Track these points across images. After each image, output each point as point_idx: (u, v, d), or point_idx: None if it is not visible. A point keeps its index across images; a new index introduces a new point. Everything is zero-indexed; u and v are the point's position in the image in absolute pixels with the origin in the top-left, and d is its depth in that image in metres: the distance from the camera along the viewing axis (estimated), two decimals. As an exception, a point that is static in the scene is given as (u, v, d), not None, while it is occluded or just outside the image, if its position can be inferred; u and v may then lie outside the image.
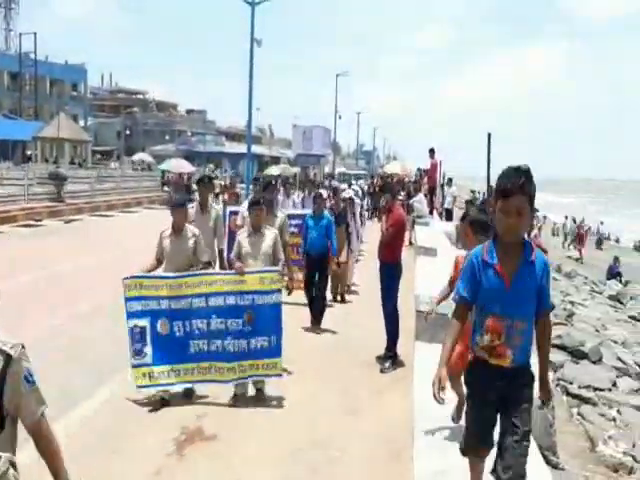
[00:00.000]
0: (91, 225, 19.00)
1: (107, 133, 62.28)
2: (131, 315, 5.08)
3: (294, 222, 8.43)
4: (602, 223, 39.23)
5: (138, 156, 47.71)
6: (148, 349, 5.07)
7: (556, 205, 55.90)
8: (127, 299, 5.09)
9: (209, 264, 5.71)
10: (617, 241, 40.96)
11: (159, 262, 5.41)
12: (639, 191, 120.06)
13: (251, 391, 5.32)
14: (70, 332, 7.13)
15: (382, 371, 6.24)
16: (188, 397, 5.26)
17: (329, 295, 9.08)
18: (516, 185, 2.50)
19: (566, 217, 35.38)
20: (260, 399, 5.28)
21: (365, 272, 10.28)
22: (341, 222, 9.29)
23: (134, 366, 5.10)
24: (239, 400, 5.15)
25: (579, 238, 30.38)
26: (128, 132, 63.24)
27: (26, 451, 4.63)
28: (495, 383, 2.70)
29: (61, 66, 55.02)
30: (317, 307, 7.76)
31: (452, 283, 3.91)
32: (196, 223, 6.36)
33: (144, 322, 5.06)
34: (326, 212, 8.14)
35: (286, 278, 6.07)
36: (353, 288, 10.13)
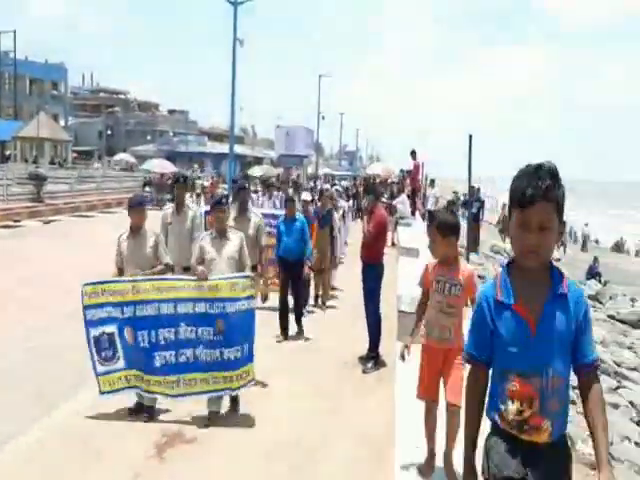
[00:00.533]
0: (71, 226, 18.78)
1: (88, 133, 61.68)
2: (95, 323, 4.82)
3: (273, 222, 8.28)
4: (587, 225, 39.59)
5: (119, 156, 47.31)
6: (120, 354, 4.85)
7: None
8: (86, 307, 4.83)
9: (168, 267, 5.24)
10: (597, 242, 41.57)
11: (121, 271, 5.12)
12: (619, 192, 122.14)
13: (225, 408, 5.05)
14: (53, 333, 7.05)
15: (364, 372, 6.25)
16: (149, 415, 4.88)
17: (310, 300, 8.97)
18: (538, 190, 1.85)
19: None
20: (235, 410, 5.06)
21: (347, 274, 10.28)
22: (325, 224, 9.11)
23: (102, 374, 4.87)
24: (213, 419, 4.82)
25: None
26: (109, 132, 62.67)
27: (10, 447, 4.60)
28: (525, 467, 1.92)
29: (41, 65, 54.31)
30: (296, 313, 7.52)
31: (425, 294, 3.67)
32: (173, 225, 6.18)
33: (112, 328, 4.83)
34: (299, 215, 7.80)
35: (261, 281, 5.94)
36: (334, 293, 9.94)
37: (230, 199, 7.74)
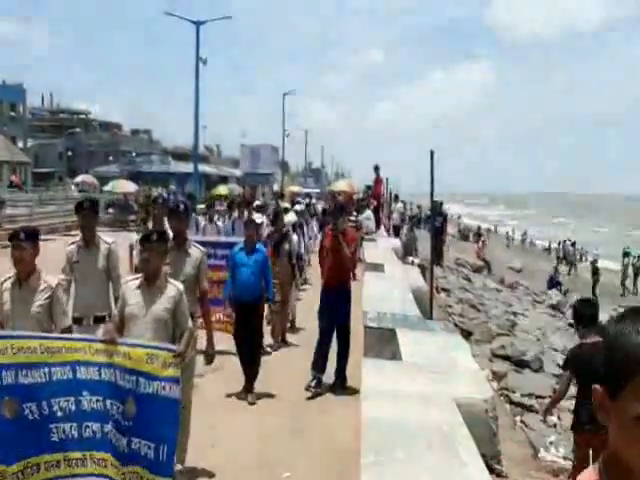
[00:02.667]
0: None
1: (48, 155, 60.48)
2: None
3: (220, 252, 6.89)
4: (574, 243, 39.23)
5: (81, 178, 46.52)
6: None
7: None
8: None
9: (69, 330, 3.97)
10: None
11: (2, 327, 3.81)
12: (551, 204, 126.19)
13: None
14: None
15: (330, 389, 6.28)
16: None
17: (269, 339, 7.51)
18: None
19: (559, 243, 36.18)
20: None
21: (310, 303, 10.02)
22: (282, 249, 7.91)
23: None
24: None
25: (481, 241, 31.03)
26: (70, 153, 61.60)
27: None
28: None
29: (-2, 86, 53.29)
30: (252, 368, 6.05)
31: None
32: (80, 263, 4.75)
33: None
34: (259, 245, 6.46)
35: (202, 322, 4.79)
36: (297, 325, 8.88)
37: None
